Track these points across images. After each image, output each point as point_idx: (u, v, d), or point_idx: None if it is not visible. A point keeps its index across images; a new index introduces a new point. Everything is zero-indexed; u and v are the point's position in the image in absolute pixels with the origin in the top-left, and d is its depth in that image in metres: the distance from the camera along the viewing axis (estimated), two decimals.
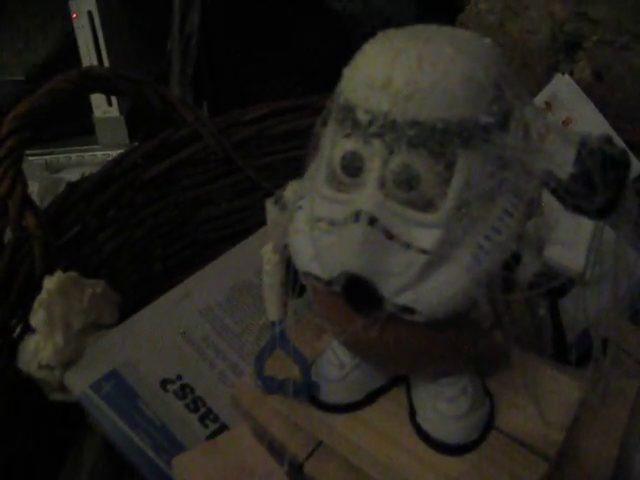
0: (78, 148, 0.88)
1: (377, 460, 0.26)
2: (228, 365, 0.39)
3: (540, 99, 0.47)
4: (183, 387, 0.37)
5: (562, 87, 0.47)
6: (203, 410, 0.37)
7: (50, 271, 0.38)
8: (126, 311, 0.41)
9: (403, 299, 0.21)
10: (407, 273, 0.21)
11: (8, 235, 0.39)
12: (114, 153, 0.56)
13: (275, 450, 0.29)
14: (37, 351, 0.36)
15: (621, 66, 0.53)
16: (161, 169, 0.51)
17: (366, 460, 0.27)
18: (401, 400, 0.28)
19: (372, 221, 0.20)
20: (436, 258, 0.20)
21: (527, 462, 0.25)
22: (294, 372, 0.28)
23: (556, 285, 0.21)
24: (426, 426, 0.26)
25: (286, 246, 0.25)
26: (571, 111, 0.46)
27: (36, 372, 0.36)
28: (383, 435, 0.27)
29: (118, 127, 0.88)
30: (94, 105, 0.87)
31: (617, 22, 0.54)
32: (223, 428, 0.36)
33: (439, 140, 0.20)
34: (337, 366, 0.28)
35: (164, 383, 0.37)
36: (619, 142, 0.39)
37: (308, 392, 0.28)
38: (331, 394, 0.28)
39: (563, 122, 0.46)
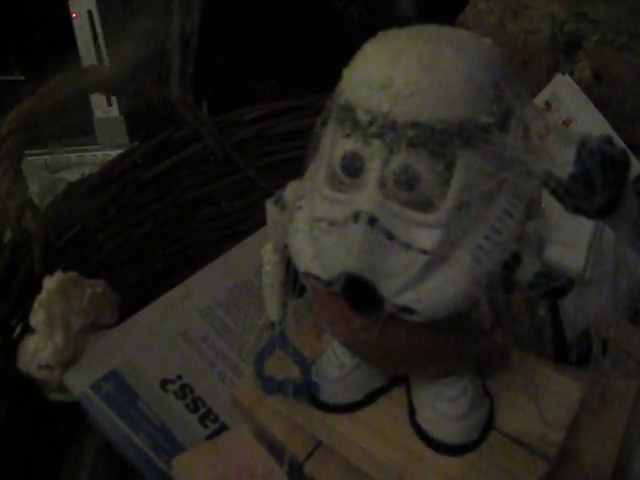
0: (78, 148, 0.88)
1: (377, 460, 0.26)
2: (228, 365, 0.39)
3: (540, 99, 0.47)
4: (183, 387, 0.37)
5: (562, 87, 0.47)
6: (203, 410, 0.37)
7: (50, 271, 0.38)
8: (126, 311, 0.41)
9: (403, 299, 0.21)
10: (407, 273, 0.21)
11: (8, 235, 0.39)
12: (114, 153, 0.56)
13: (275, 450, 0.29)
14: (37, 351, 0.36)
15: (621, 66, 0.53)
16: (161, 169, 0.51)
17: (366, 460, 0.26)
18: (401, 400, 0.28)
19: (372, 221, 0.20)
20: (436, 258, 0.20)
21: (527, 462, 0.25)
22: (294, 372, 0.28)
23: (556, 285, 0.21)
24: (426, 426, 0.26)
25: (286, 246, 0.25)
26: (571, 111, 0.46)
27: (36, 372, 0.36)
28: (383, 435, 0.27)
29: (118, 127, 0.88)
30: (94, 105, 0.87)
31: (617, 22, 0.53)
32: (223, 428, 0.36)
33: (439, 140, 0.20)
34: (337, 366, 0.28)
35: (164, 383, 0.37)
36: (619, 142, 0.39)
37: (308, 392, 0.28)
38: (331, 394, 0.28)
39: (563, 122, 0.46)
